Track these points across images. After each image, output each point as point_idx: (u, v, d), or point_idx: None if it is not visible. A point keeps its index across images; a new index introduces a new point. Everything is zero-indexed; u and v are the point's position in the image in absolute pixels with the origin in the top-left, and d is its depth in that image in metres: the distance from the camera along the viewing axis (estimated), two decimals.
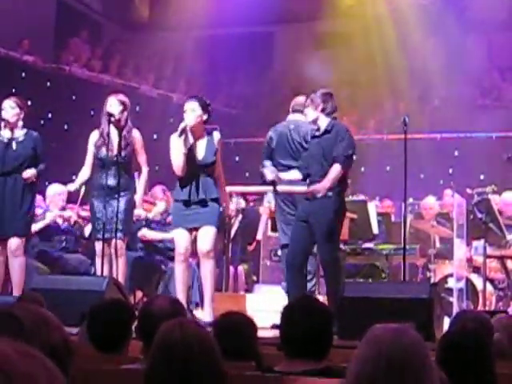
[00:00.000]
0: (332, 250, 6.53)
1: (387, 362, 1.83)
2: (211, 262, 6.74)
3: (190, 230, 6.79)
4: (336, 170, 6.45)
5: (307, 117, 6.68)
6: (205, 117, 6.78)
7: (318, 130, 6.64)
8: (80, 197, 7.94)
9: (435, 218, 9.62)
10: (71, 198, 8.65)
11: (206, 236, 6.71)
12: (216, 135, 6.87)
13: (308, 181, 6.62)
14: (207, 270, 6.75)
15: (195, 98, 6.87)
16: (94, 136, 7.21)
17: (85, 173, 7.21)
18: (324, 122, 6.60)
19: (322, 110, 6.58)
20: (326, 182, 6.42)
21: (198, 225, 6.74)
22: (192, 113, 6.71)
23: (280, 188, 6.97)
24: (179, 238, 6.83)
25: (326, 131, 6.57)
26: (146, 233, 8.85)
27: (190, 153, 6.76)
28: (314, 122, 6.63)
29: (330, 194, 6.42)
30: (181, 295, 6.78)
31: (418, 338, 1.92)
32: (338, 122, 6.78)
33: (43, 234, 8.50)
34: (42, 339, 1.67)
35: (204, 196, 6.72)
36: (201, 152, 6.80)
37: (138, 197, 7.28)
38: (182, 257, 6.79)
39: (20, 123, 7.35)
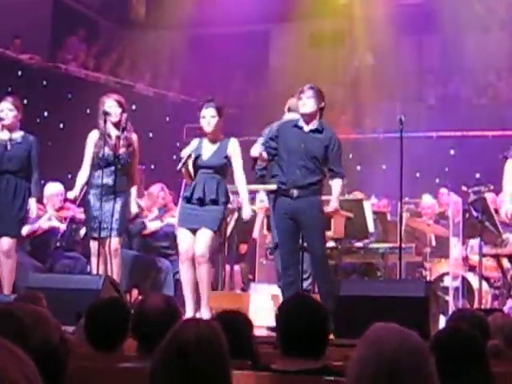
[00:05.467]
0: (324, 245, 6.73)
1: (390, 364, 1.78)
2: (205, 266, 6.73)
3: (192, 230, 6.82)
4: (339, 185, 6.67)
5: (307, 107, 6.50)
6: (221, 122, 6.94)
7: (300, 122, 6.56)
8: (79, 198, 7.86)
9: (434, 218, 9.63)
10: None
11: (202, 240, 6.74)
12: (232, 143, 6.94)
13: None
14: (201, 272, 6.76)
15: (212, 102, 6.98)
16: (94, 136, 7.16)
17: (84, 174, 7.14)
18: (316, 119, 6.57)
19: (321, 109, 6.57)
20: (336, 201, 6.68)
21: (197, 226, 6.78)
22: (212, 119, 6.88)
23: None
24: (182, 237, 6.87)
25: (317, 130, 6.55)
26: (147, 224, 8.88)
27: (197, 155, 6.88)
28: (311, 116, 6.54)
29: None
30: (187, 293, 6.81)
31: (423, 343, 1.87)
32: (327, 124, 6.75)
33: (38, 234, 8.47)
34: (42, 339, 1.67)
35: (202, 196, 6.76)
36: (207, 154, 6.88)
37: (133, 197, 7.28)
38: (184, 256, 6.81)
39: (17, 125, 7.32)
